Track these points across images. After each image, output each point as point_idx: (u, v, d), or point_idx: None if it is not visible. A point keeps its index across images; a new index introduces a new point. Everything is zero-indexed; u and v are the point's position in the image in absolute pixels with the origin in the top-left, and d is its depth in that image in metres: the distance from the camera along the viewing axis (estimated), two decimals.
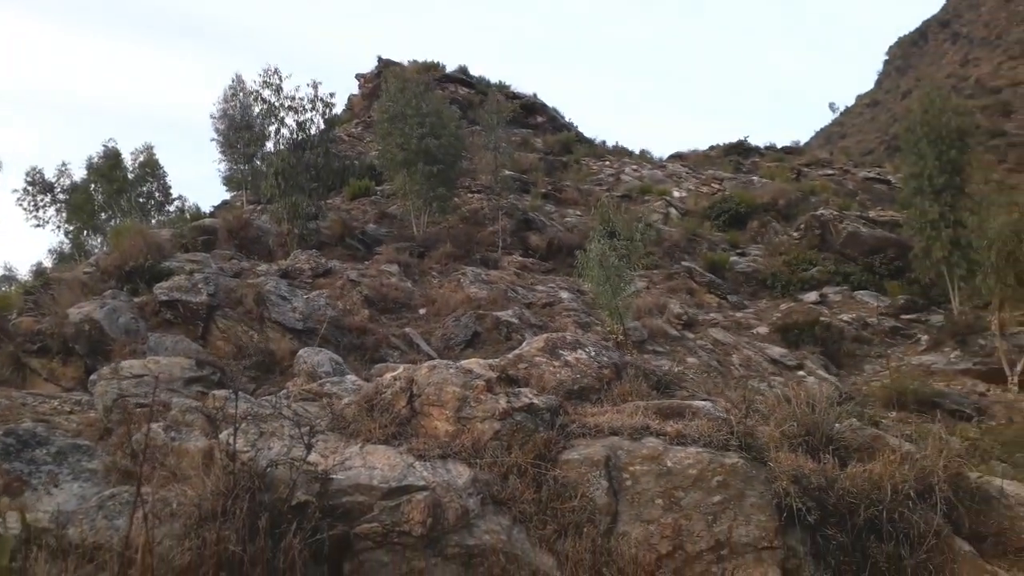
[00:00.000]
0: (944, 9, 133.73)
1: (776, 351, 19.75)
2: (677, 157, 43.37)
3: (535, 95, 43.83)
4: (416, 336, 15.70)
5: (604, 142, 44.00)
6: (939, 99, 23.11)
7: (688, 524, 4.89)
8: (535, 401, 5.75)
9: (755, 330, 22.28)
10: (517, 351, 8.25)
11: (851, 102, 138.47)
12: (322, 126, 23.09)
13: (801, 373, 18.60)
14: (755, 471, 5.15)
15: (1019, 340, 19.53)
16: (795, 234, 28.89)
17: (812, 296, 24.46)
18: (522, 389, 6.20)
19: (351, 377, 8.01)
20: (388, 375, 6.01)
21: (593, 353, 8.36)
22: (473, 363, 7.43)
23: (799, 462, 5.08)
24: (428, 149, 23.23)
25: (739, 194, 32.68)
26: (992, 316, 19.37)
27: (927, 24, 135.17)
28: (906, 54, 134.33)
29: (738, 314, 23.64)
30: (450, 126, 24.84)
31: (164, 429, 5.54)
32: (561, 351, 8.28)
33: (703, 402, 6.84)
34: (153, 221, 28.69)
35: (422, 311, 17.91)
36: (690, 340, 20.41)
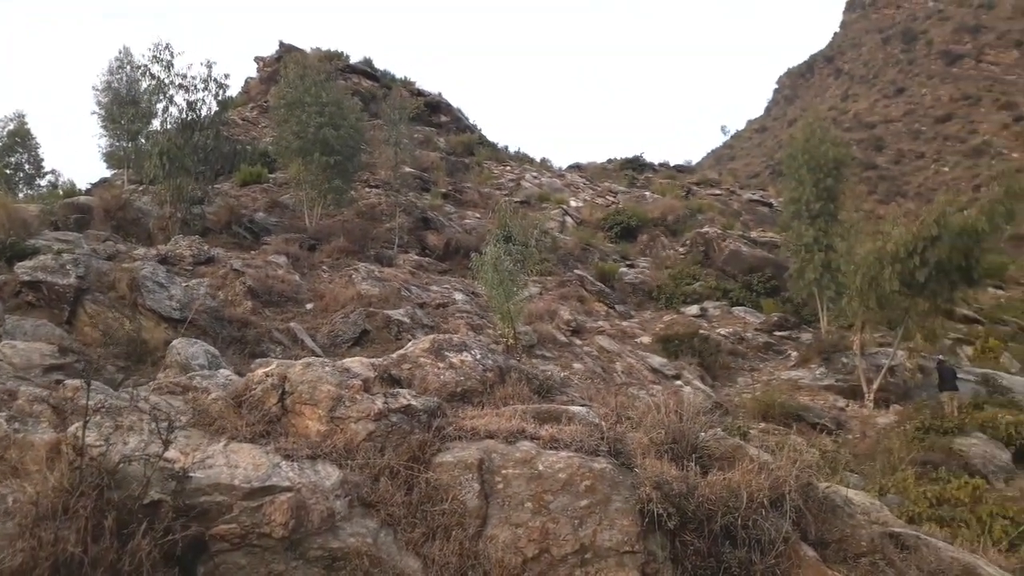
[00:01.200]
0: (830, 45, 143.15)
1: (657, 360, 20.46)
2: (576, 168, 44.29)
3: (440, 94, 43.70)
4: (301, 331, 15.29)
5: (507, 147, 44.39)
6: (820, 130, 24.59)
7: (555, 528, 4.97)
8: (413, 402, 5.71)
9: (639, 339, 23.01)
10: (402, 351, 8.16)
11: (742, 126, 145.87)
12: (214, 107, 22.12)
13: (679, 382, 19.35)
14: (622, 476, 5.30)
15: (877, 360, 21.06)
16: (681, 249, 30.07)
17: (694, 309, 25.50)
18: (401, 390, 6.13)
19: (224, 371, 7.69)
20: (260, 371, 5.81)
21: (478, 356, 8.39)
22: (355, 362, 7.30)
23: (663, 469, 5.26)
24: (326, 139, 22.71)
25: (632, 208, 33.72)
26: (854, 336, 20.79)
27: (814, 58, 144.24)
28: (794, 84, 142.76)
29: (624, 323, 24.35)
30: (350, 117, 24.36)
31: (7, 420, 5.13)
32: (447, 352, 8.26)
33: (580, 407, 6.99)
34: (20, 195, 26.63)
35: (309, 306, 17.47)
36: (578, 346, 20.86)
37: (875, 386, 19.63)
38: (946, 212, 18.29)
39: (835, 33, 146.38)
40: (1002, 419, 17.16)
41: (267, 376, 5.65)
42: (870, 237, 19.98)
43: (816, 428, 17.79)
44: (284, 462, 4.79)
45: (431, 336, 8.52)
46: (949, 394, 18.56)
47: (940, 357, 20.59)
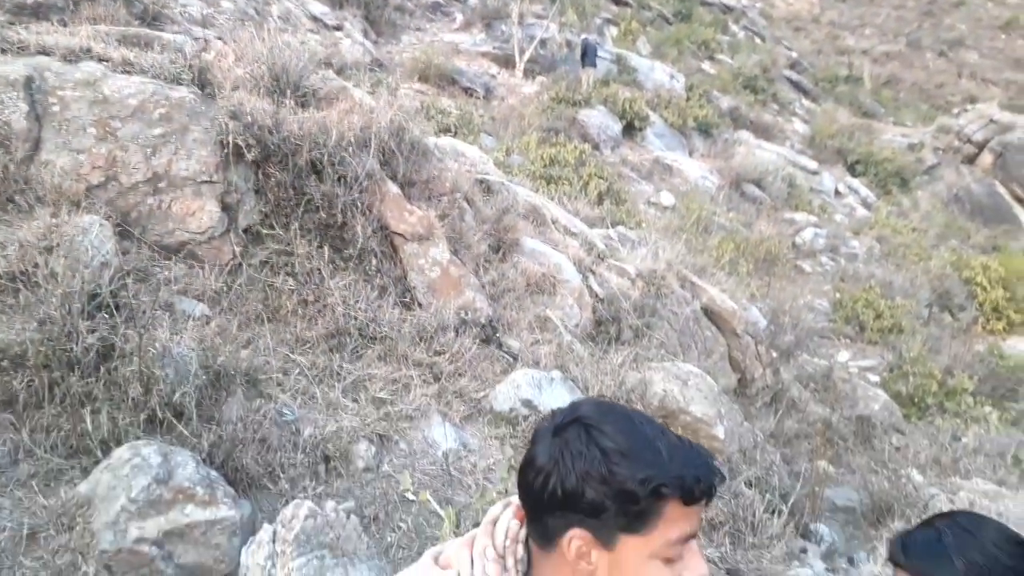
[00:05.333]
0: None
1: (318, 8, 19.09)
2: None
3: None
4: None
5: None
6: None
7: (124, 156, 4.66)
8: None
9: None
10: None
11: None
12: None
13: (339, 34, 18.48)
14: (205, 107, 5.02)
15: (532, 31, 21.97)
16: None
17: None
18: None
19: None
20: None
21: None
22: None
23: (248, 100, 5.07)
24: None
25: None
26: (514, 3, 21.23)
27: None
28: None
29: None
30: None
31: None
32: None
33: (181, 36, 6.31)
34: None
35: None
36: None
37: (526, 56, 20.72)
38: None
39: None
40: (622, 95, 19.51)
41: None
42: None
43: (467, 92, 18.65)
44: None
45: None
46: (587, 70, 20.35)
47: (586, 35, 22.12)
